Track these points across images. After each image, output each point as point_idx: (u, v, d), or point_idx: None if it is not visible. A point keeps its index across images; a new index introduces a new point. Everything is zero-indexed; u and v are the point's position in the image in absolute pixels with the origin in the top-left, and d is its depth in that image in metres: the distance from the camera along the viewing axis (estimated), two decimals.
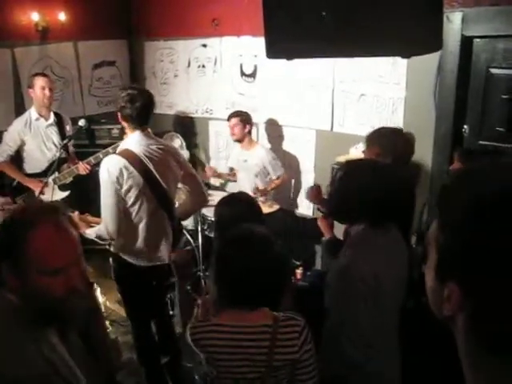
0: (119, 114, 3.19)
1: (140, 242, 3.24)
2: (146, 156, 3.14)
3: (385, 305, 2.18)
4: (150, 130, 3.31)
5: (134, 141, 3.18)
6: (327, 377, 2.13)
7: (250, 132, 5.11)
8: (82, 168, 4.49)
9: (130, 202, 3.12)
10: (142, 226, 3.22)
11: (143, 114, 3.19)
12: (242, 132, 5.03)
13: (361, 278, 2.11)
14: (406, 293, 2.35)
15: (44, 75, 4.73)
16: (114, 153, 3.26)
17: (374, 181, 2.22)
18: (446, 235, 0.84)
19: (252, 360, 1.87)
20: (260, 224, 2.36)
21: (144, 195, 3.14)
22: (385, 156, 3.10)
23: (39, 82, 4.61)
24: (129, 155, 3.11)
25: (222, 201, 2.77)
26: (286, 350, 1.88)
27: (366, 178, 2.24)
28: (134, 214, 3.17)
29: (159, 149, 3.24)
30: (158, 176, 3.17)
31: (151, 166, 3.14)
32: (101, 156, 4.44)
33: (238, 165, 5.27)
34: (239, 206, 2.65)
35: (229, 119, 5.06)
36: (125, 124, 3.21)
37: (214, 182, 5.83)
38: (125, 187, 3.07)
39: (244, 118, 5.02)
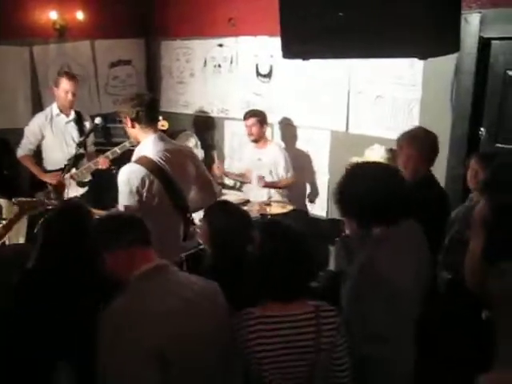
0: (129, 120, 3.19)
1: (155, 244, 3.24)
2: (164, 161, 3.12)
3: (403, 304, 2.17)
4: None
5: (149, 146, 3.17)
6: None
7: (265, 131, 5.11)
8: (102, 162, 4.50)
9: (148, 211, 3.12)
10: (157, 229, 3.22)
11: (157, 114, 3.24)
12: (259, 132, 5.01)
13: (380, 276, 2.11)
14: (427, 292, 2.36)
15: (70, 78, 4.66)
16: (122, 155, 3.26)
17: (377, 181, 2.23)
18: (497, 214, 0.91)
19: (300, 347, 1.96)
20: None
21: (162, 202, 3.14)
22: (420, 159, 3.10)
23: (64, 84, 4.60)
24: (148, 163, 3.08)
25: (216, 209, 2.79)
26: (329, 333, 2.00)
27: (368, 180, 2.24)
28: (151, 220, 3.17)
29: (176, 151, 3.24)
30: (175, 181, 3.18)
31: (169, 171, 3.14)
32: (118, 151, 4.47)
33: (252, 164, 5.26)
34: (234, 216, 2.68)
35: (245, 118, 5.03)
36: (137, 128, 3.20)
37: (228, 181, 5.81)
38: (145, 195, 3.07)
39: (261, 119, 5.00)
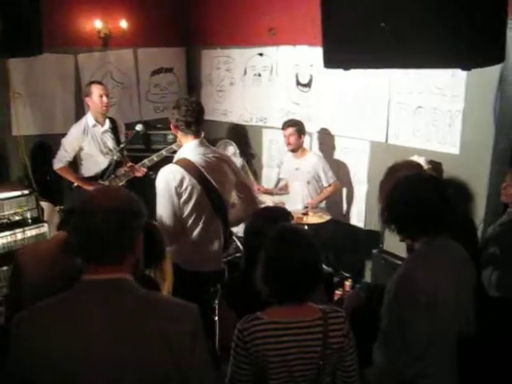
0: (174, 124, 3.25)
1: (195, 249, 3.27)
2: (203, 164, 3.18)
3: (441, 319, 2.14)
4: (203, 136, 3.35)
5: (190, 149, 3.24)
6: None
7: (303, 142, 5.12)
8: (139, 169, 4.66)
9: (187, 211, 3.15)
10: (197, 233, 3.24)
11: (199, 120, 3.26)
12: (297, 142, 5.05)
13: (420, 288, 2.09)
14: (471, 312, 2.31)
15: (99, 83, 4.84)
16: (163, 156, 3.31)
17: (430, 191, 2.22)
18: None
19: (307, 352, 1.96)
20: None
21: (201, 203, 3.18)
22: None
23: (97, 90, 4.73)
24: (187, 164, 3.15)
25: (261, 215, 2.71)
26: (336, 339, 2.00)
27: (421, 189, 2.23)
28: (190, 221, 3.20)
29: (214, 157, 3.29)
30: (214, 184, 3.21)
31: (208, 175, 3.18)
32: (155, 159, 4.62)
33: (290, 174, 5.28)
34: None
35: (284, 128, 5.06)
36: (180, 133, 3.27)
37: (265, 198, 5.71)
38: (184, 197, 3.11)
39: (299, 129, 5.04)
